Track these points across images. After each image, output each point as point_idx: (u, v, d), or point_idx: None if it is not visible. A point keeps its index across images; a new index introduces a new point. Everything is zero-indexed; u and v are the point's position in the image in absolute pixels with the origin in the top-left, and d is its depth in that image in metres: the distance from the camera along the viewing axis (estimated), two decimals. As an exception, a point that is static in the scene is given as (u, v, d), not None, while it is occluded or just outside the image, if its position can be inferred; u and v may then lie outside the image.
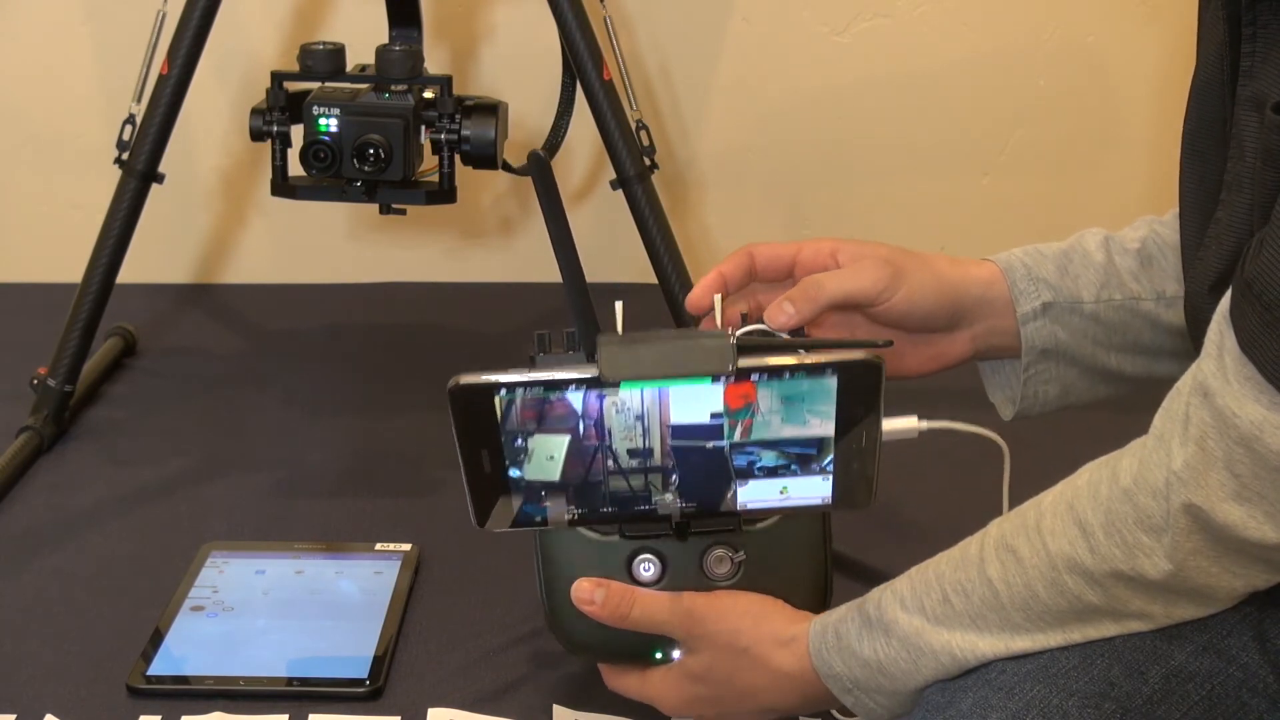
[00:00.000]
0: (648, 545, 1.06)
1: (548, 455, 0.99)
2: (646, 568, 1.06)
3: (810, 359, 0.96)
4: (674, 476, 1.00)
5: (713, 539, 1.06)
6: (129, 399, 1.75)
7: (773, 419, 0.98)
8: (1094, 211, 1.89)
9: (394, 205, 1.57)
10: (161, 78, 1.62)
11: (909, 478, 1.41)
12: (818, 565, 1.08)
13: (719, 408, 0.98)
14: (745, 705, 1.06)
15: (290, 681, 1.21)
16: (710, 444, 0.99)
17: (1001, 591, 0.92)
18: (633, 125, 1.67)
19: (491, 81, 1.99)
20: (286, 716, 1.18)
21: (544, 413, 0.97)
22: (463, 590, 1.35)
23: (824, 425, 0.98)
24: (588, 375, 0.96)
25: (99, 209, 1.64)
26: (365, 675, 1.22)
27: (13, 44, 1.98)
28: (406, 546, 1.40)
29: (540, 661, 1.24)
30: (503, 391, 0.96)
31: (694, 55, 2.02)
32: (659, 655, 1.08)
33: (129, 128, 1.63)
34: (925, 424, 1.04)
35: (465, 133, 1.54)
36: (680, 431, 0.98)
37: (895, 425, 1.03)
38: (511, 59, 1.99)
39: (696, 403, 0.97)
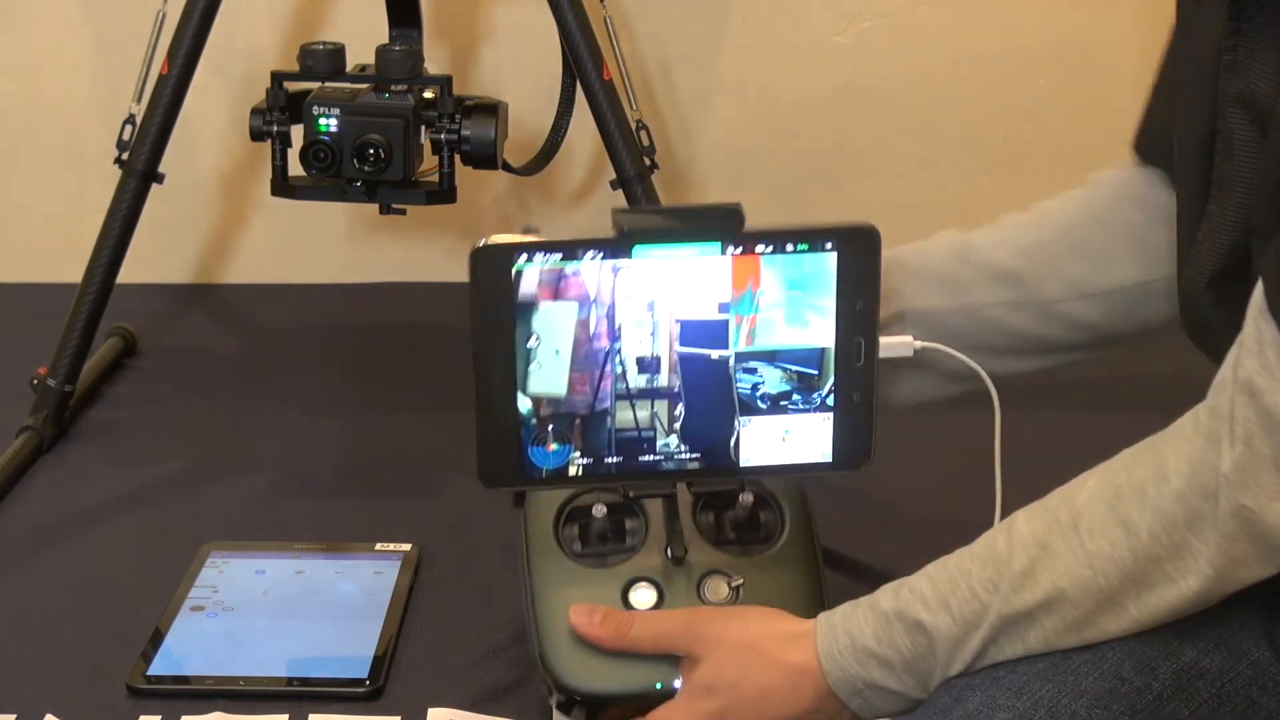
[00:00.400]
0: (643, 575, 1.05)
1: (555, 349, 0.99)
2: (643, 597, 1.04)
3: (810, 226, 0.99)
4: (679, 408, 1.01)
5: (708, 568, 1.05)
6: (129, 399, 1.75)
7: (775, 316, 1.00)
8: (1094, 211, 1.89)
9: (394, 205, 1.57)
10: (161, 78, 1.62)
11: (903, 476, 1.41)
12: (814, 591, 1.07)
13: (726, 295, 0.99)
14: (759, 710, 1.01)
15: (290, 681, 1.21)
16: (716, 354, 1.00)
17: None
18: (633, 125, 1.67)
19: (491, 81, 1.99)
20: (286, 716, 1.18)
21: (559, 290, 0.98)
22: (463, 590, 1.35)
23: (824, 326, 1.00)
24: (605, 237, 0.98)
25: (99, 209, 1.64)
26: (365, 675, 1.22)
27: (13, 44, 1.98)
28: (406, 546, 1.40)
29: (540, 661, 1.24)
30: (522, 258, 0.97)
31: (694, 55, 2.02)
32: (659, 686, 1.02)
33: (129, 128, 1.63)
34: (920, 343, 1.06)
35: (465, 133, 1.54)
36: (688, 333, 1.00)
37: (891, 341, 1.04)
38: (511, 59, 1.99)
39: (704, 287, 0.99)
